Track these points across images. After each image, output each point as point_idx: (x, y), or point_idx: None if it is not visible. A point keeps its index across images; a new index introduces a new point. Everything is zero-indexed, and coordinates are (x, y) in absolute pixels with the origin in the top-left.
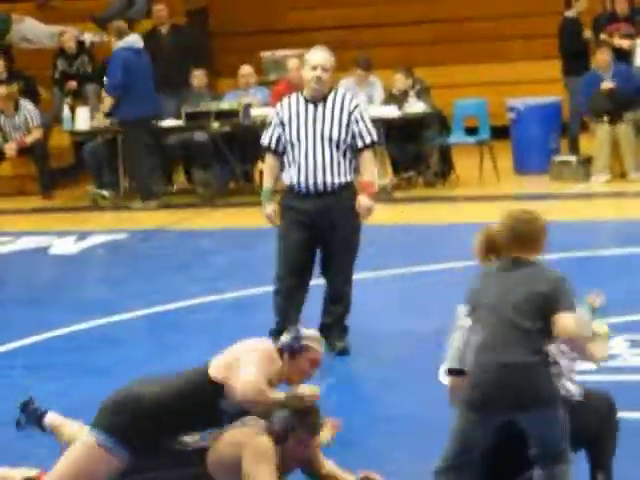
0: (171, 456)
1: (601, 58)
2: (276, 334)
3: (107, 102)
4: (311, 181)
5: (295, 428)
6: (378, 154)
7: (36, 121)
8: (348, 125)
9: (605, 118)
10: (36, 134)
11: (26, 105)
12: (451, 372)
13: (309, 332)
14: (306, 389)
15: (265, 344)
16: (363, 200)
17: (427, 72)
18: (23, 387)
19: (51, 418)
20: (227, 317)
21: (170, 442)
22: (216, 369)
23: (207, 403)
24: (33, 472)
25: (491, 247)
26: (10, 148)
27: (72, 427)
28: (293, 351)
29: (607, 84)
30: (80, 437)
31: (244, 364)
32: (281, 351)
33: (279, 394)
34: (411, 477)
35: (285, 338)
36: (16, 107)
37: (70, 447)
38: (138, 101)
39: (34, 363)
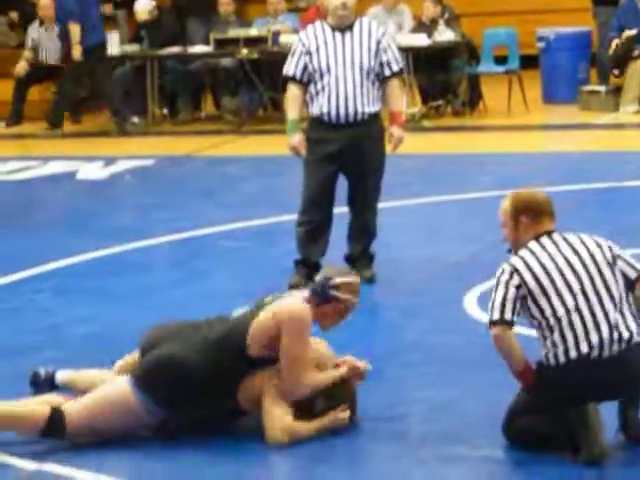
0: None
1: None
2: (300, 264)
3: (75, 30)
4: (342, 110)
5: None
6: (407, 83)
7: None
8: (377, 53)
9: (636, 52)
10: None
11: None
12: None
13: (341, 279)
14: (353, 370)
15: (300, 312)
16: (396, 131)
17: (457, 1)
18: (51, 312)
19: (61, 375)
20: (252, 245)
21: (207, 404)
22: (255, 348)
23: (244, 371)
24: (58, 399)
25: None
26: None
27: (86, 376)
28: (322, 302)
29: (630, 32)
30: (105, 381)
31: (288, 366)
32: (311, 298)
33: (322, 380)
34: (430, 404)
35: (315, 286)
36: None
37: (103, 387)
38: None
39: (61, 288)
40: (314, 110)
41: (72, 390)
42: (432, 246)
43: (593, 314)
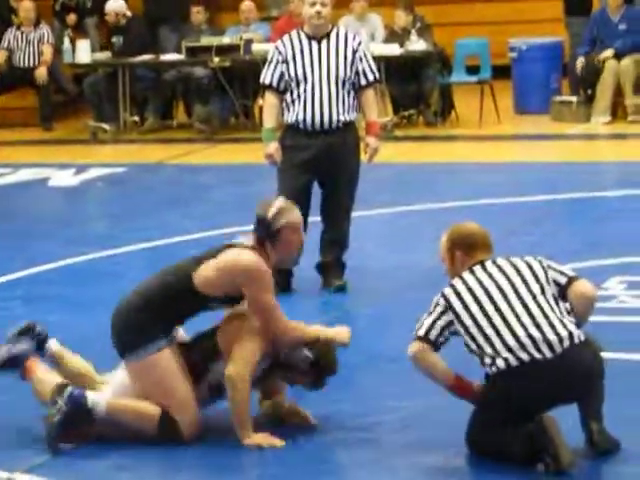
0: None
1: None
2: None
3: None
4: (317, 118)
5: (311, 370)
6: (378, 92)
7: (51, 39)
8: (353, 62)
9: (610, 52)
10: (48, 52)
11: (43, 24)
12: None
13: (275, 208)
14: (339, 333)
15: (247, 259)
16: (372, 141)
17: (429, 10)
18: (21, 319)
19: (55, 346)
20: None
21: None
22: (207, 290)
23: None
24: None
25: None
26: (41, 75)
27: (75, 362)
28: (272, 238)
29: (608, 53)
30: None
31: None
32: (262, 242)
33: (312, 333)
34: (403, 413)
35: (257, 228)
36: (36, 23)
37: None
38: None
39: (32, 295)
40: (289, 118)
41: (54, 364)
42: (404, 255)
43: (523, 325)
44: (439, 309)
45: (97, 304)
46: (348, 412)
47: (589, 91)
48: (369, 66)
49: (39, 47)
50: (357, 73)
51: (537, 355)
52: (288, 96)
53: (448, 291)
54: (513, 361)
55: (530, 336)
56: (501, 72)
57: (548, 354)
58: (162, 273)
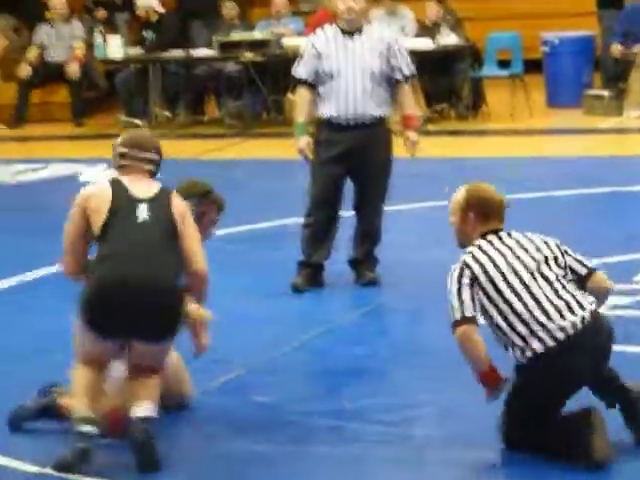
0: None
1: None
2: (304, 266)
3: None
4: (351, 113)
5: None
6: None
7: (83, 35)
8: (387, 57)
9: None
10: (80, 48)
11: (75, 20)
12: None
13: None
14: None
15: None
16: (411, 134)
17: (461, 4)
18: (60, 313)
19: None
20: (256, 248)
21: None
22: None
23: None
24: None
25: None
26: (73, 71)
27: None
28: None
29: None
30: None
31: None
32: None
33: None
34: (440, 407)
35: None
36: (68, 19)
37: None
38: None
39: (65, 290)
40: (323, 112)
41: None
42: (437, 249)
43: (550, 302)
44: (466, 281)
45: None
46: (381, 405)
47: (621, 85)
48: (405, 61)
49: (71, 43)
50: (392, 68)
51: (570, 331)
52: (321, 90)
53: (469, 260)
54: (549, 341)
55: (560, 312)
56: (532, 66)
57: (578, 326)
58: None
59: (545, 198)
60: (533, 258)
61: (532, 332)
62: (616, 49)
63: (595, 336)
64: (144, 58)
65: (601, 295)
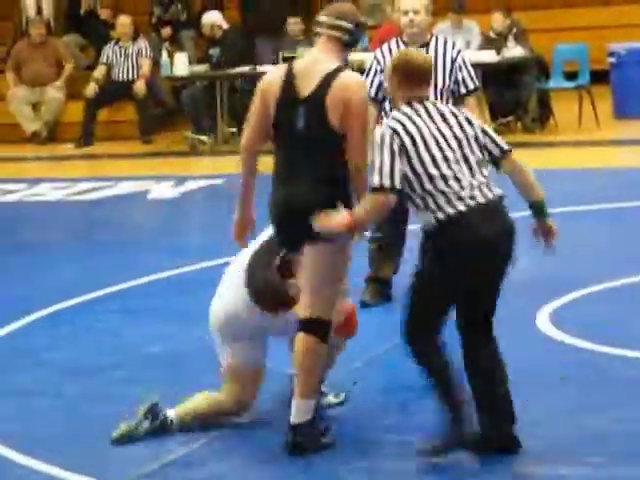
0: None
1: None
2: (371, 281)
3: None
4: None
5: None
6: (477, 99)
7: (149, 53)
8: (452, 71)
9: None
10: (147, 66)
11: (141, 38)
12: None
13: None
14: None
15: None
16: None
17: (526, 16)
18: (120, 331)
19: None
20: None
21: None
22: None
23: None
24: None
25: None
26: (140, 88)
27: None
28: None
29: None
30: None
31: None
32: None
33: None
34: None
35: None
36: (134, 37)
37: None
38: None
39: (132, 307)
40: None
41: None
42: None
43: (458, 179)
44: (395, 149)
45: (198, 317)
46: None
47: None
48: (469, 74)
49: (137, 61)
50: (457, 82)
51: (481, 199)
52: (387, 105)
53: (399, 128)
54: (460, 206)
55: (472, 186)
56: (599, 77)
57: (490, 199)
58: None
59: (614, 210)
60: (455, 136)
61: (448, 200)
62: None
63: (503, 219)
64: (210, 75)
65: (517, 175)
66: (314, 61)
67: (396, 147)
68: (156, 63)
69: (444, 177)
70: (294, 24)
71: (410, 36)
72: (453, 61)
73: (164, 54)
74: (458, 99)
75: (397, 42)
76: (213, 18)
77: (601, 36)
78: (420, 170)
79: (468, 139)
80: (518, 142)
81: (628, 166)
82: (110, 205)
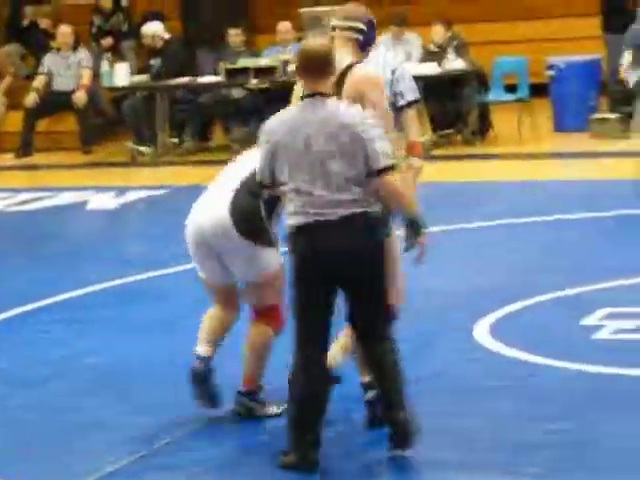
0: None
1: None
2: None
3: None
4: None
5: None
6: (417, 111)
7: (89, 63)
8: (391, 83)
9: None
10: (87, 76)
11: (82, 48)
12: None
13: None
14: None
15: None
16: (415, 160)
17: (466, 29)
18: (62, 342)
19: None
20: None
21: None
22: None
23: None
24: None
25: None
26: (80, 99)
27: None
28: None
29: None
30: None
31: None
32: None
33: None
34: (433, 433)
35: None
36: (75, 47)
37: None
38: None
39: (74, 318)
40: None
41: None
42: (442, 275)
43: (310, 193)
44: (269, 148)
45: (142, 327)
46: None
47: (627, 108)
48: (409, 86)
49: (78, 71)
50: (395, 94)
51: (321, 219)
52: None
53: (267, 128)
54: (305, 219)
55: (324, 201)
56: (539, 90)
57: (332, 218)
58: None
59: (552, 222)
60: (324, 146)
61: (296, 210)
62: (623, 71)
63: (344, 234)
64: (150, 85)
65: (387, 197)
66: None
67: (266, 149)
68: (96, 73)
69: (297, 189)
70: (235, 35)
71: None
72: (393, 72)
73: (105, 64)
74: (398, 111)
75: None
76: (154, 28)
77: (540, 49)
78: (283, 175)
79: (337, 154)
80: (458, 154)
81: (567, 179)
82: (51, 216)
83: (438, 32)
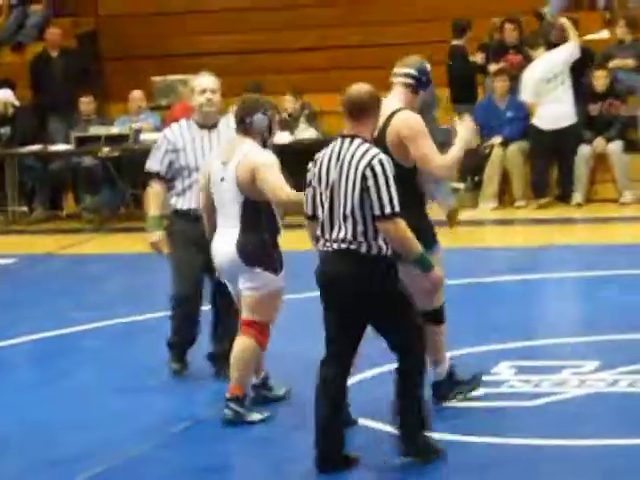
0: None
1: (500, 86)
2: (173, 347)
3: None
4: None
5: None
6: None
7: None
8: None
9: (497, 139)
10: None
11: None
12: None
13: None
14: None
15: None
16: None
17: (320, 99)
18: None
19: None
20: (115, 343)
21: None
22: None
23: None
24: None
25: None
26: None
27: None
28: None
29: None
30: None
31: None
32: None
33: None
34: None
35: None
36: None
37: None
38: None
39: None
40: (181, 206)
41: None
42: (303, 341)
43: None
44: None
45: None
46: None
47: (476, 178)
48: None
49: None
50: None
51: (323, 248)
52: (179, 184)
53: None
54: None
55: (332, 232)
56: None
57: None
58: None
59: None
60: (339, 184)
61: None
62: (493, 146)
63: (332, 264)
64: (0, 152)
65: (390, 241)
66: (384, 106)
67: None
68: None
69: (318, 217)
70: (86, 103)
71: (205, 115)
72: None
73: None
74: None
75: (187, 123)
76: (4, 96)
77: None
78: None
79: (355, 192)
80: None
81: None
82: None
83: (289, 101)
